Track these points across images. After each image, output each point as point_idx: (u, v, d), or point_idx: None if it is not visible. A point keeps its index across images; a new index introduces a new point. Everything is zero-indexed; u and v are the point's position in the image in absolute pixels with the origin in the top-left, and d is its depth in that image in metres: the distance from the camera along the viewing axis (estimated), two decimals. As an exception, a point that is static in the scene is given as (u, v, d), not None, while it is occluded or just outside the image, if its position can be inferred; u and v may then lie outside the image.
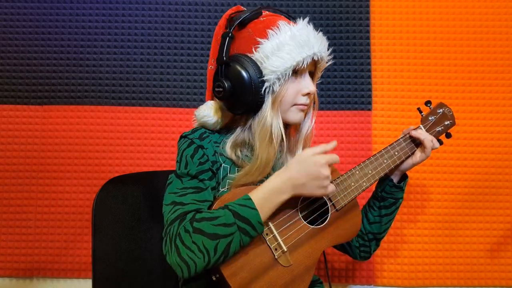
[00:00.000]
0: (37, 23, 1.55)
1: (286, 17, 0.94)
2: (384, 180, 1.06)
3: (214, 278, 0.83)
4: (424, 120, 1.07)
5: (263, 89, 0.86)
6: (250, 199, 0.81)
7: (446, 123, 1.07)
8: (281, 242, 0.85)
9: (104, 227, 1.01)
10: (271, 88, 0.86)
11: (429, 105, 1.08)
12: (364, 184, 0.97)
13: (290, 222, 0.88)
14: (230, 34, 0.86)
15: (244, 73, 0.84)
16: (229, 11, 0.93)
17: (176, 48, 1.54)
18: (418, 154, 1.03)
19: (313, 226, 0.90)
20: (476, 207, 1.48)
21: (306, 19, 0.90)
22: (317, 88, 0.97)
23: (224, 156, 0.91)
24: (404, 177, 1.09)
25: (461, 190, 1.49)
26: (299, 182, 0.83)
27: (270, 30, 0.86)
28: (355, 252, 1.11)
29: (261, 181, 0.91)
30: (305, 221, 0.89)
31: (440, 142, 1.06)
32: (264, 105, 0.88)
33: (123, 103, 1.53)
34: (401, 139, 1.04)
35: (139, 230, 1.08)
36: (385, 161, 1.00)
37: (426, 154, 1.02)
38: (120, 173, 1.44)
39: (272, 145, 0.89)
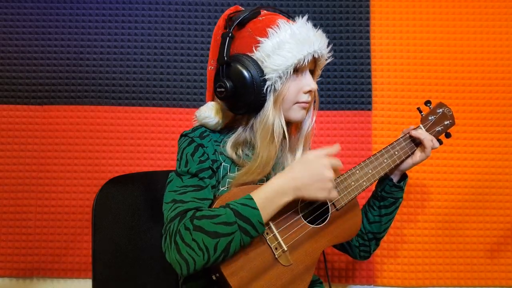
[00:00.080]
0: (37, 23, 1.55)
1: (285, 16, 0.94)
2: (384, 180, 1.06)
3: (214, 278, 0.83)
4: (424, 120, 1.07)
5: (264, 88, 0.86)
6: (252, 198, 0.80)
7: (445, 123, 1.07)
8: (281, 242, 0.85)
9: (104, 227, 1.01)
10: (272, 86, 0.86)
11: (428, 105, 1.08)
12: (364, 183, 0.97)
13: (290, 221, 0.88)
14: (230, 34, 0.86)
15: (245, 73, 0.84)
16: (228, 11, 0.93)
17: (176, 48, 1.54)
18: (418, 154, 1.04)
19: (313, 226, 0.90)
20: (476, 207, 1.48)
21: (305, 17, 0.90)
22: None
23: (224, 155, 0.91)
24: (404, 177, 1.09)
25: (461, 190, 1.49)
26: (301, 182, 0.82)
27: (270, 29, 0.86)
28: (355, 252, 1.11)
29: (261, 181, 0.91)
30: (305, 220, 0.89)
31: (440, 142, 1.06)
32: (266, 104, 0.87)
33: (123, 103, 1.53)
34: (401, 139, 1.04)
35: (139, 230, 1.08)
36: (385, 160, 1.00)
37: (426, 153, 1.02)
38: (120, 173, 1.44)
39: (274, 144, 0.89)
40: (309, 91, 0.91)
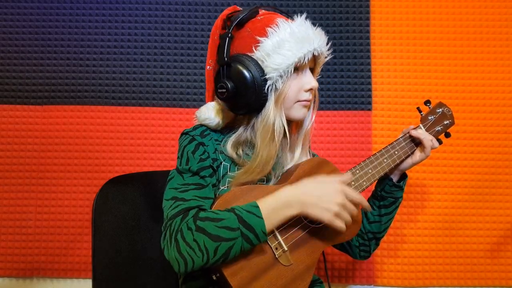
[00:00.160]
0: (37, 23, 1.55)
1: (283, 15, 0.94)
2: (383, 180, 1.06)
3: (214, 278, 0.83)
4: (423, 120, 1.07)
5: (266, 88, 0.85)
6: (257, 207, 0.80)
7: (445, 122, 1.08)
8: (282, 241, 0.85)
9: (104, 227, 1.01)
10: (273, 86, 0.86)
11: (428, 104, 1.08)
12: (364, 183, 0.97)
13: (291, 221, 0.88)
14: (229, 35, 0.86)
15: (246, 73, 0.84)
16: (225, 11, 0.92)
17: (176, 48, 1.54)
18: (417, 154, 1.04)
19: (313, 225, 0.90)
20: (476, 207, 1.48)
21: (304, 15, 0.90)
22: None
23: (225, 154, 0.91)
24: (403, 177, 1.09)
25: (461, 190, 1.49)
26: (310, 199, 0.82)
27: (269, 28, 0.86)
28: (355, 252, 1.11)
29: (261, 180, 0.91)
30: (305, 220, 0.89)
31: (440, 142, 1.06)
32: (267, 103, 0.87)
33: (123, 103, 1.53)
34: (401, 139, 1.04)
35: (139, 230, 1.08)
36: (385, 160, 1.00)
37: (425, 153, 1.02)
38: (120, 173, 1.44)
39: (274, 143, 0.88)
40: (310, 89, 0.91)
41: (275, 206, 0.81)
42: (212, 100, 0.95)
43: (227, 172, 0.90)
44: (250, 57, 0.85)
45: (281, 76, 0.85)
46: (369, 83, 1.52)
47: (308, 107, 0.95)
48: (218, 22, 0.92)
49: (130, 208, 1.07)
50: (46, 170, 1.51)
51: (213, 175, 0.89)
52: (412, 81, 1.52)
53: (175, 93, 1.53)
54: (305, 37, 0.86)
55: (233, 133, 0.93)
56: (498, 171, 1.49)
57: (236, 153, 0.91)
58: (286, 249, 0.85)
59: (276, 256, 0.84)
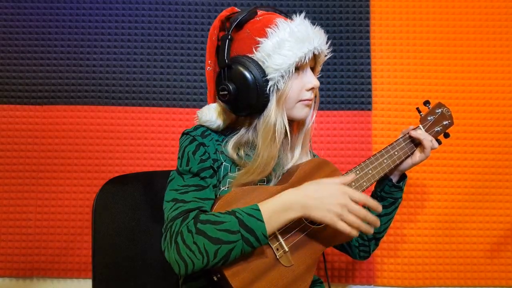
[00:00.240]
0: (37, 23, 1.55)
1: (282, 15, 0.94)
2: (383, 180, 1.06)
3: (215, 278, 0.83)
4: (423, 120, 1.07)
5: (267, 89, 0.85)
6: (258, 210, 0.79)
7: (444, 123, 1.08)
8: (283, 242, 0.85)
9: (104, 227, 1.01)
10: (275, 86, 0.86)
11: (427, 105, 1.09)
12: (364, 184, 0.97)
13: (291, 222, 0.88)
14: (229, 37, 0.86)
15: (247, 74, 0.84)
16: (223, 13, 0.92)
17: (176, 48, 1.54)
18: (417, 154, 1.04)
19: (314, 226, 0.90)
20: (476, 207, 1.48)
21: (303, 14, 0.90)
22: None
23: (225, 155, 0.91)
24: (403, 177, 1.09)
25: (461, 190, 1.49)
26: (312, 202, 0.81)
27: (268, 29, 0.86)
28: (355, 252, 1.12)
29: (261, 181, 0.91)
30: (306, 221, 0.89)
31: (439, 142, 1.06)
32: (269, 104, 0.87)
33: (123, 103, 1.53)
34: (400, 139, 1.04)
35: (139, 230, 1.08)
36: (385, 161, 1.00)
37: (425, 154, 1.02)
38: (120, 173, 1.44)
39: (275, 143, 0.88)
40: (312, 88, 0.91)
41: (276, 209, 0.81)
42: (214, 102, 0.95)
43: (227, 172, 0.90)
44: (251, 58, 0.85)
45: (282, 77, 0.85)
46: (369, 83, 1.52)
47: (310, 106, 0.95)
48: (216, 23, 0.92)
49: (130, 208, 1.07)
50: (46, 170, 1.51)
51: (213, 176, 0.88)
52: (412, 81, 1.52)
53: (175, 93, 1.53)
54: (305, 36, 0.86)
55: (235, 134, 0.92)
56: (498, 171, 1.49)
57: (237, 154, 0.91)
58: (287, 250, 0.85)
59: (277, 257, 0.84)
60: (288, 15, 0.94)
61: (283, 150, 0.96)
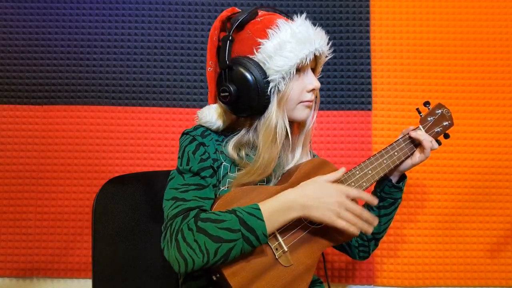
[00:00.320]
0: (37, 23, 1.55)
1: (283, 16, 0.94)
2: (383, 180, 1.06)
3: (214, 278, 0.83)
4: (423, 121, 1.07)
5: (268, 90, 0.85)
6: (259, 209, 0.80)
7: (444, 123, 1.08)
8: (282, 242, 0.85)
9: (104, 227, 1.01)
10: (276, 88, 0.86)
11: (427, 105, 1.08)
12: (364, 184, 0.97)
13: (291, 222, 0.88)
14: (230, 37, 0.86)
15: (248, 76, 0.84)
16: (224, 13, 0.92)
17: (176, 48, 1.54)
18: (417, 155, 1.03)
19: (313, 226, 0.90)
20: (476, 207, 1.48)
21: (304, 15, 0.90)
22: None
23: (225, 155, 0.91)
24: (403, 177, 1.08)
25: (461, 190, 1.49)
26: (311, 201, 0.82)
27: (269, 30, 0.86)
28: (354, 252, 1.12)
29: (261, 181, 0.91)
30: (305, 221, 0.89)
31: (439, 143, 1.06)
32: (270, 105, 0.87)
33: (123, 103, 1.53)
34: (400, 140, 1.04)
35: (139, 230, 1.08)
36: (384, 161, 1.00)
37: (425, 154, 1.02)
38: (120, 173, 1.44)
39: (276, 144, 0.88)
40: (313, 90, 0.91)
41: (276, 208, 0.81)
42: (215, 102, 0.95)
43: (227, 172, 0.90)
44: (252, 59, 0.85)
45: (283, 78, 0.85)
46: (369, 83, 1.52)
47: (311, 107, 0.95)
48: (217, 23, 0.92)
49: (130, 208, 1.07)
50: (46, 170, 1.51)
51: (213, 176, 0.89)
52: (412, 81, 1.52)
53: (175, 93, 1.53)
54: (306, 38, 0.86)
55: (235, 135, 0.92)
56: (498, 171, 1.49)
57: (238, 154, 0.91)
58: (286, 249, 0.85)
59: (276, 256, 0.84)
60: (289, 15, 0.94)
61: (283, 151, 0.96)
